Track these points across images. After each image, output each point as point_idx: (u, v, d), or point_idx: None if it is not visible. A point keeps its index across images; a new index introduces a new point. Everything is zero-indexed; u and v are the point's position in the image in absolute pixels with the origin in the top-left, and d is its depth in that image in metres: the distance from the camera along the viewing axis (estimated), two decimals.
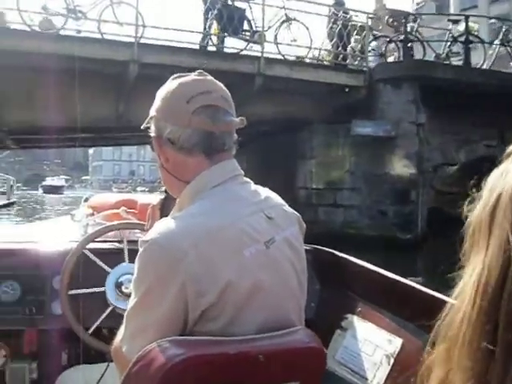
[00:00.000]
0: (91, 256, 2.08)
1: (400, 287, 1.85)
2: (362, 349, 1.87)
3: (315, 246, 2.25)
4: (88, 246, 2.08)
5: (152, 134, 1.29)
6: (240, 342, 1.08)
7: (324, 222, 13.32)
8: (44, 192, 63.95)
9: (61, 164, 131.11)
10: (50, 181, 73.02)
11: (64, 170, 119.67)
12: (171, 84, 1.28)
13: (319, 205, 13.65)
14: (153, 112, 1.29)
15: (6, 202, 35.54)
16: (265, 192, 1.29)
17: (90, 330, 1.98)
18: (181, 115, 1.21)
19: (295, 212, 1.34)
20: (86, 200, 3.39)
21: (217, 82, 1.28)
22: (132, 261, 1.62)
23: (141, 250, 1.13)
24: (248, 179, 1.30)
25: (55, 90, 10.14)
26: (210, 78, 1.28)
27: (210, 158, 1.23)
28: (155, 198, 1.77)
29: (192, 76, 1.28)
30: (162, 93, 1.29)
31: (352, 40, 13.31)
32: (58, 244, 2.30)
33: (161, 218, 1.41)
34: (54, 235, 2.76)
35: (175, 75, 1.30)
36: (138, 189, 78.45)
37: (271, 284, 1.17)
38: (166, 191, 1.43)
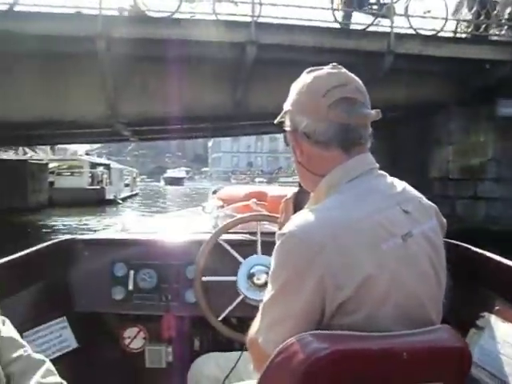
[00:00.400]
0: (225, 246, 2.13)
1: None
2: (501, 351, 1.74)
3: (447, 240, 2.03)
4: (221, 237, 2.13)
5: (287, 128, 1.30)
6: (382, 338, 1.06)
7: (462, 216, 11.83)
8: (166, 184, 66.60)
9: (182, 156, 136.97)
10: (171, 172, 76.02)
11: (184, 162, 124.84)
12: (306, 78, 1.28)
13: (457, 197, 12.13)
14: (287, 106, 1.30)
15: (129, 193, 36.70)
16: (401, 185, 1.27)
17: (220, 318, 2.03)
18: (317, 109, 1.21)
19: (433, 205, 1.30)
20: (215, 192, 3.45)
21: (351, 74, 1.27)
22: (264, 252, 2.00)
23: (278, 242, 1.14)
24: (383, 172, 1.28)
25: (170, 78, 9.66)
26: (344, 70, 1.27)
27: (346, 152, 1.22)
28: (285, 191, 1.90)
29: (326, 69, 1.28)
30: (297, 87, 1.29)
31: (497, 7, 11.57)
32: (191, 235, 2.40)
33: (294, 211, 1.45)
34: (186, 226, 2.83)
35: (309, 69, 1.31)
36: (256, 180, 79.22)
37: (409, 279, 1.14)
38: (299, 185, 1.42)
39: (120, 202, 30.57)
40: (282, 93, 1.39)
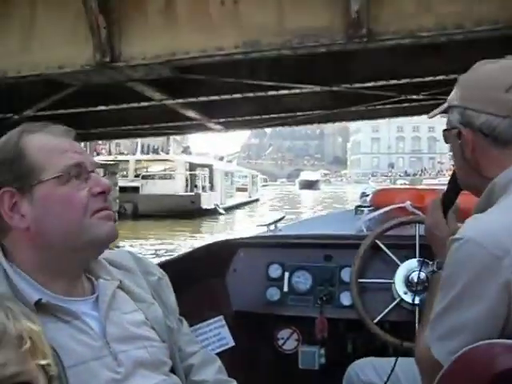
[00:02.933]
0: (383, 247, 2.12)
1: None
2: None
3: None
4: (378, 240, 2.13)
5: (456, 124, 1.22)
6: None
7: None
8: (300, 187, 63.54)
9: (321, 159, 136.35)
10: (305, 175, 72.66)
11: (323, 165, 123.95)
12: (481, 71, 1.22)
13: None
14: (454, 100, 1.23)
15: (242, 200, 31.37)
16: None
17: (375, 321, 2.02)
18: (499, 104, 1.14)
19: None
20: (365, 195, 3.41)
21: None
22: (423, 256, 1.98)
23: (453, 247, 1.08)
24: None
25: None
26: None
27: None
28: (440, 192, 1.78)
29: (504, 62, 1.21)
30: (470, 79, 1.22)
31: None
32: (346, 238, 2.40)
33: (444, 212, 1.45)
34: (338, 228, 2.83)
35: (482, 61, 1.23)
36: (398, 182, 76.67)
37: None
38: (450, 184, 1.43)
39: (222, 211, 24.48)
40: None
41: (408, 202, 2.44)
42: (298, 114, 8.10)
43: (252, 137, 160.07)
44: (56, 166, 1.02)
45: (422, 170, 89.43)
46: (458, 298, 1.06)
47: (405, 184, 68.73)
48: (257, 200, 35.24)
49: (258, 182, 38.63)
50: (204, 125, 8.88)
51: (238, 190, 32.99)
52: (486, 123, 1.15)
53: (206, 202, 23.25)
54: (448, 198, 1.48)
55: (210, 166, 26.84)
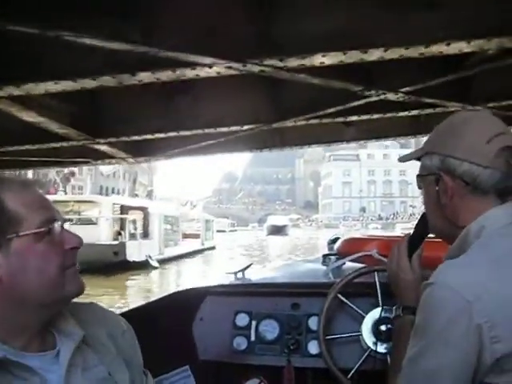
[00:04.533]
0: (347, 298, 2.15)
1: None
2: None
3: None
4: (342, 289, 2.16)
5: (435, 170, 1.25)
6: None
7: None
8: (268, 233, 59.10)
9: (292, 203, 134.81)
10: (272, 220, 68.15)
11: (295, 209, 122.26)
12: (462, 121, 1.26)
13: None
14: (434, 147, 1.27)
15: (189, 250, 26.18)
16: None
17: (349, 376, 2.02)
18: (481, 155, 1.18)
19: None
20: (332, 242, 3.33)
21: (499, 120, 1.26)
22: (387, 303, 1.95)
23: (426, 291, 1.10)
24: None
25: None
26: (494, 115, 1.28)
27: (502, 201, 1.20)
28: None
29: (482, 114, 1.32)
30: (451, 128, 1.27)
31: None
32: (313, 286, 2.43)
33: (409, 255, 1.49)
34: (306, 276, 2.86)
35: (460, 111, 1.38)
36: (370, 226, 74.98)
37: None
38: (415, 228, 1.48)
39: (155, 264, 19.31)
40: None
41: (374, 250, 2.46)
42: None
43: (223, 181, 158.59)
44: (33, 221, 1.02)
45: (394, 214, 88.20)
46: (432, 343, 1.07)
47: (377, 228, 67.39)
48: (212, 248, 30.83)
49: (213, 227, 33.91)
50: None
51: (187, 236, 28.74)
52: (467, 172, 1.19)
53: (135, 253, 18.54)
54: (414, 242, 1.49)
55: (144, 209, 22.35)
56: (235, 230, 74.68)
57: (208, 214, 36.85)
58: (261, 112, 3.05)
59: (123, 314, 1.43)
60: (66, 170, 27.51)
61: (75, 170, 31.30)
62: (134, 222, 20.48)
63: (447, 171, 1.21)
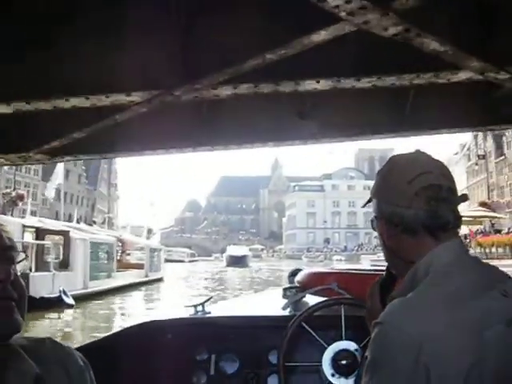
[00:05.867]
0: (309, 330, 2.17)
1: None
2: None
3: None
4: (305, 321, 2.18)
5: (374, 213, 1.33)
6: None
7: None
8: (227, 264, 56.01)
9: (256, 233, 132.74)
10: (232, 250, 64.28)
11: (259, 240, 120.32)
12: (393, 163, 1.33)
13: None
14: (373, 193, 1.34)
15: (139, 279, 24.02)
16: (495, 269, 1.28)
17: None
18: (403, 196, 1.24)
19: None
20: (293, 275, 3.21)
21: (435, 159, 1.31)
22: (349, 337, 2.08)
23: (375, 331, 1.14)
24: (474, 255, 1.31)
25: None
26: (427, 155, 1.32)
27: (434, 238, 1.23)
28: (368, 272, 2.34)
29: (411, 155, 1.33)
30: (381, 174, 1.33)
31: None
32: (273, 320, 2.46)
33: (382, 296, 1.47)
34: (266, 309, 2.82)
35: (396, 154, 1.38)
36: (334, 258, 73.05)
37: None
38: (387, 269, 1.47)
39: (70, 302, 15.93)
40: None
41: (335, 284, 2.49)
42: None
43: (186, 210, 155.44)
44: None
45: (358, 245, 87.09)
46: (381, 382, 1.11)
47: (341, 260, 65.72)
48: (159, 280, 27.54)
49: (160, 257, 30.36)
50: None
51: (130, 267, 25.68)
52: (394, 214, 1.24)
53: (45, 288, 15.11)
54: (385, 284, 1.49)
55: (65, 234, 18.42)
56: (196, 261, 71.88)
57: (157, 243, 33.86)
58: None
59: (80, 349, 1.39)
60: (13, 194, 25.19)
61: (24, 193, 28.69)
62: (48, 249, 16.95)
63: (380, 214, 1.29)
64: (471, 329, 1.09)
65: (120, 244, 26.01)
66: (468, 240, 29.73)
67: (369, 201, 1.35)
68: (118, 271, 22.75)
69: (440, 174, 1.25)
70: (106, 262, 21.59)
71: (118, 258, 24.38)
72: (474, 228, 33.31)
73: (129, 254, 28.88)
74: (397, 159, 1.33)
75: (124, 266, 24.68)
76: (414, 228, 1.22)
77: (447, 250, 1.21)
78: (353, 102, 1.89)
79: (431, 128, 2.02)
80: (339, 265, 17.46)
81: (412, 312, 1.10)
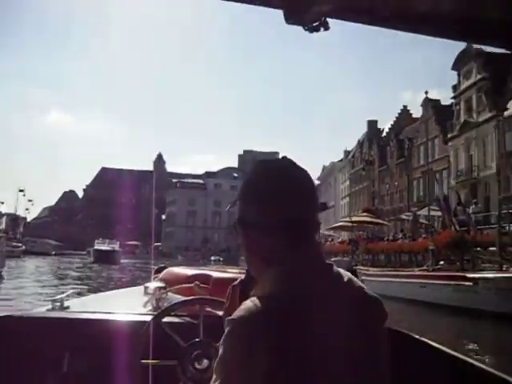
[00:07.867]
0: (167, 329, 2.17)
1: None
2: None
3: (390, 327, 1.87)
4: (163, 320, 2.20)
5: (237, 215, 1.36)
6: None
7: None
8: (94, 260, 50.72)
9: (134, 229, 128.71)
10: (99, 245, 59.46)
11: (137, 235, 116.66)
12: (256, 168, 1.37)
13: None
14: (238, 194, 1.37)
15: None
16: (347, 275, 1.33)
17: None
18: (265, 199, 1.27)
19: (375, 295, 1.35)
20: (158, 271, 3.31)
21: (300, 166, 1.34)
22: (207, 336, 2.11)
23: (227, 329, 1.17)
24: (329, 262, 1.33)
25: None
26: (292, 162, 1.35)
27: (294, 243, 1.26)
28: (229, 274, 2.34)
29: (276, 160, 1.38)
30: (247, 177, 1.36)
31: None
32: (132, 317, 2.42)
33: (240, 297, 1.48)
34: (126, 307, 2.75)
35: (260, 159, 1.44)
36: (212, 258, 72.32)
37: (346, 367, 1.19)
38: (246, 271, 1.47)
39: None
40: None
41: (196, 282, 2.59)
42: None
43: (62, 200, 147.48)
44: None
45: (238, 246, 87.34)
46: (230, 378, 1.14)
47: (219, 260, 65.06)
48: None
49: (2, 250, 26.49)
50: None
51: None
52: (255, 216, 1.29)
53: None
54: (245, 285, 1.51)
55: None
56: (64, 254, 67.55)
57: None
58: None
59: None
60: None
61: None
62: None
63: (243, 215, 1.33)
64: (316, 326, 1.17)
65: None
66: (355, 246, 29.64)
67: (235, 202, 1.38)
68: None
69: (304, 181, 1.30)
70: None
71: None
72: (357, 234, 33.38)
73: None
74: (262, 164, 1.37)
75: None
76: (273, 231, 1.25)
77: (302, 255, 1.26)
78: None
79: None
80: (213, 266, 16.67)
81: (261, 310, 1.15)
